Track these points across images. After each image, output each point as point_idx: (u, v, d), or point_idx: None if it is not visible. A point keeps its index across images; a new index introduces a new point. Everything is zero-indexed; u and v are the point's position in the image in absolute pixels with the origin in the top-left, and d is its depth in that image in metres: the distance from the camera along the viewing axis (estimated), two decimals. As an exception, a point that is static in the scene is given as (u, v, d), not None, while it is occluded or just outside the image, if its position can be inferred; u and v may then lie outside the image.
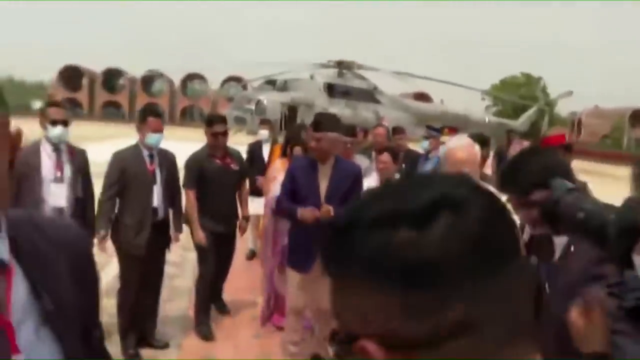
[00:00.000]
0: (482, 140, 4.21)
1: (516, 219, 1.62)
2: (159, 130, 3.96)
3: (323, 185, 3.55)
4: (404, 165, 5.48)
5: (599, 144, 47.06)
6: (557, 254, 1.65)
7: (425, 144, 6.31)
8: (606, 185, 7.65)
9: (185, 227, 4.39)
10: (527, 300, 0.52)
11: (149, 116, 3.96)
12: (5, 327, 0.75)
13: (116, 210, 3.97)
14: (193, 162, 4.37)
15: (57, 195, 3.62)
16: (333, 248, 0.53)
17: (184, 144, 8.36)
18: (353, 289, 0.50)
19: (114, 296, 4.02)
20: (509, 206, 1.56)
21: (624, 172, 2.66)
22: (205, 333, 4.35)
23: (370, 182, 4.16)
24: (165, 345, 4.17)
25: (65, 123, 3.67)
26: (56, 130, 3.63)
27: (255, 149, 6.57)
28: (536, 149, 2.02)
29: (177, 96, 64.69)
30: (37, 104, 38.28)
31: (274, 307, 4.55)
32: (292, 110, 19.27)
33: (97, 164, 4.34)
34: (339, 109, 17.78)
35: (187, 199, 4.35)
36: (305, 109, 18.91)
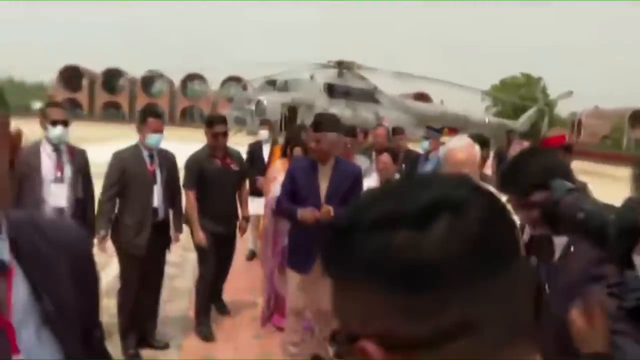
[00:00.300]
0: (482, 141, 4.19)
1: (516, 219, 1.62)
2: (159, 130, 3.96)
3: (323, 186, 3.55)
4: (403, 166, 5.48)
5: (598, 145, 47.06)
6: (557, 254, 1.65)
7: (425, 144, 6.32)
8: (606, 185, 7.65)
9: (185, 228, 4.39)
10: (527, 300, 0.52)
11: (149, 117, 3.97)
12: (6, 327, 0.76)
13: (116, 211, 3.98)
14: (193, 163, 4.36)
15: (57, 195, 3.63)
16: (333, 249, 0.53)
17: (184, 144, 8.35)
18: (353, 290, 0.51)
19: (114, 296, 4.03)
20: (509, 207, 1.56)
21: (624, 172, 2.66)
22: (205, 333, 4.34)
23: (370, 182, 4.15)
24: (165, 346, 4.17)
25: (65, 123, 3.68)
26: (56, 131, 3.63)
27: (255, 150, 6.56)
28: (536, 149, 2.01)
29: (177, 97, 64.72)
30: (37, 105, 38.28)
31: (274, 308, 4.55)
32: (292, 111, 19.31)
33: (97, 165, 4.34)
34: (339, 109, 17.80)
35: (187, 199, 4.35)
36: (305, 110, 18.94)
